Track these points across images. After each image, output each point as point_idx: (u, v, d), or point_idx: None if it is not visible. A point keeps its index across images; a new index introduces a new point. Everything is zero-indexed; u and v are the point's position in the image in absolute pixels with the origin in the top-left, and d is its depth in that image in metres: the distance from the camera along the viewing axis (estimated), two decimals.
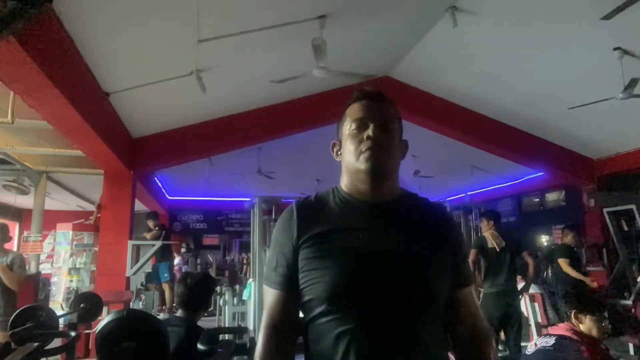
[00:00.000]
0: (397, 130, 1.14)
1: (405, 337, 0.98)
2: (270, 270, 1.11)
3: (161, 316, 6.75)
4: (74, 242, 6.39)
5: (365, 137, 1.07)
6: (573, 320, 2.22)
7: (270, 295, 1.09)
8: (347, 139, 1.12)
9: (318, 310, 1.02)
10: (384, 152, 1.07)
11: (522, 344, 5.34)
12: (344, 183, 1.14)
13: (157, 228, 7.60)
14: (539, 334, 4.92)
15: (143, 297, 6.71)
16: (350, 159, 1.10)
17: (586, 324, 2.20)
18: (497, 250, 4.37)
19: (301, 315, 1.09)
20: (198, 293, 2.30)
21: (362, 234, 1.03)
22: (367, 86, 1.18)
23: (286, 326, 1.06)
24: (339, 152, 1.16)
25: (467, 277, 1.13)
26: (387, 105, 1.14)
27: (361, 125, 1.09)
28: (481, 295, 4.53)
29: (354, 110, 1.13)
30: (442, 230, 1.10)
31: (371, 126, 1.07)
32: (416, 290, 1.00)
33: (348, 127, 1.12)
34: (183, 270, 9.96)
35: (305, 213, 1.10)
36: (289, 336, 1.07)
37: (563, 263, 5.33)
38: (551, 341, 2.14)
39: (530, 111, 6.74)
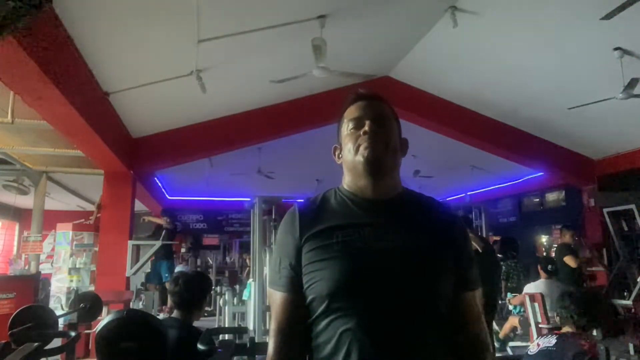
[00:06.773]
0: (395, 128, 1.14)
1: (406, 336, 0.97)
2: (274, 273, 1.10)
3: (161, 316, 6.75)
4: (74, 242, 6.39)
5: (362, 132, 1.09)
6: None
7: (277, 298, 1.08)
8: (345, 139, 1.13)
9: (320, 308, 1.01)
10: (381, 145, 1.07)
11: (523, 344, 5.36)
12: (346, 182, 1.15)
13: (168, 221, 7.78)
14: (539, 334, 4.93)
15: (143, 297, 6.70)
16: (349, 157, 1.11)
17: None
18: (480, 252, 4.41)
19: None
20: (191, 293, 2.23)
21: (363, 231, 1.03)
22: (363, 89, 1.19)
23: (294, 328, 1.05)
24: (340, 155, 1.17)
25: (472, 281, 1.09)
26: (382, 103, 1.16)
27: (358, 124, 1.11)
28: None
29: (350, 112, 1.15)
30: (444, 228, 1.08)
31: (367, 122, 1.09)
32: (417, 287, 0.99)
33: (346, 127, 1.13)
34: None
35: (307, 213, 1.10)
36: (297, 340, 1.04)
37: (570, 260, 5.48)
38: (553, 340, 2.21)
39: (530, 111, 6.73)
